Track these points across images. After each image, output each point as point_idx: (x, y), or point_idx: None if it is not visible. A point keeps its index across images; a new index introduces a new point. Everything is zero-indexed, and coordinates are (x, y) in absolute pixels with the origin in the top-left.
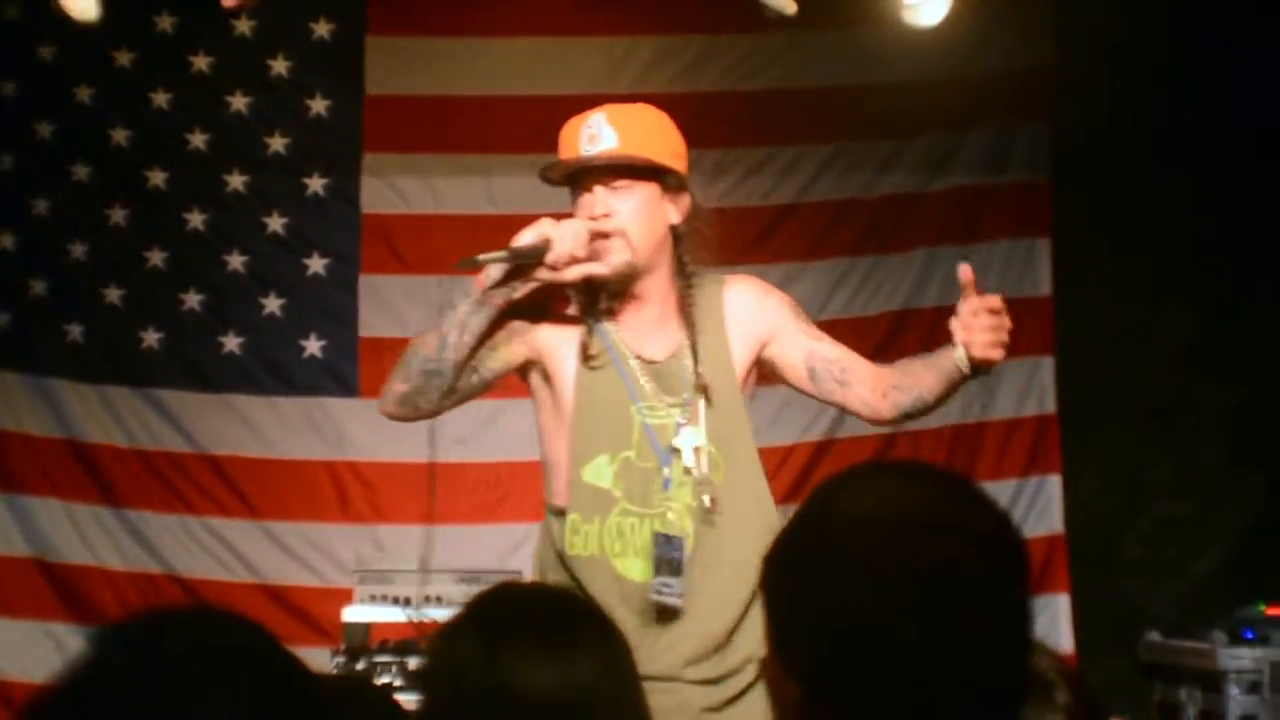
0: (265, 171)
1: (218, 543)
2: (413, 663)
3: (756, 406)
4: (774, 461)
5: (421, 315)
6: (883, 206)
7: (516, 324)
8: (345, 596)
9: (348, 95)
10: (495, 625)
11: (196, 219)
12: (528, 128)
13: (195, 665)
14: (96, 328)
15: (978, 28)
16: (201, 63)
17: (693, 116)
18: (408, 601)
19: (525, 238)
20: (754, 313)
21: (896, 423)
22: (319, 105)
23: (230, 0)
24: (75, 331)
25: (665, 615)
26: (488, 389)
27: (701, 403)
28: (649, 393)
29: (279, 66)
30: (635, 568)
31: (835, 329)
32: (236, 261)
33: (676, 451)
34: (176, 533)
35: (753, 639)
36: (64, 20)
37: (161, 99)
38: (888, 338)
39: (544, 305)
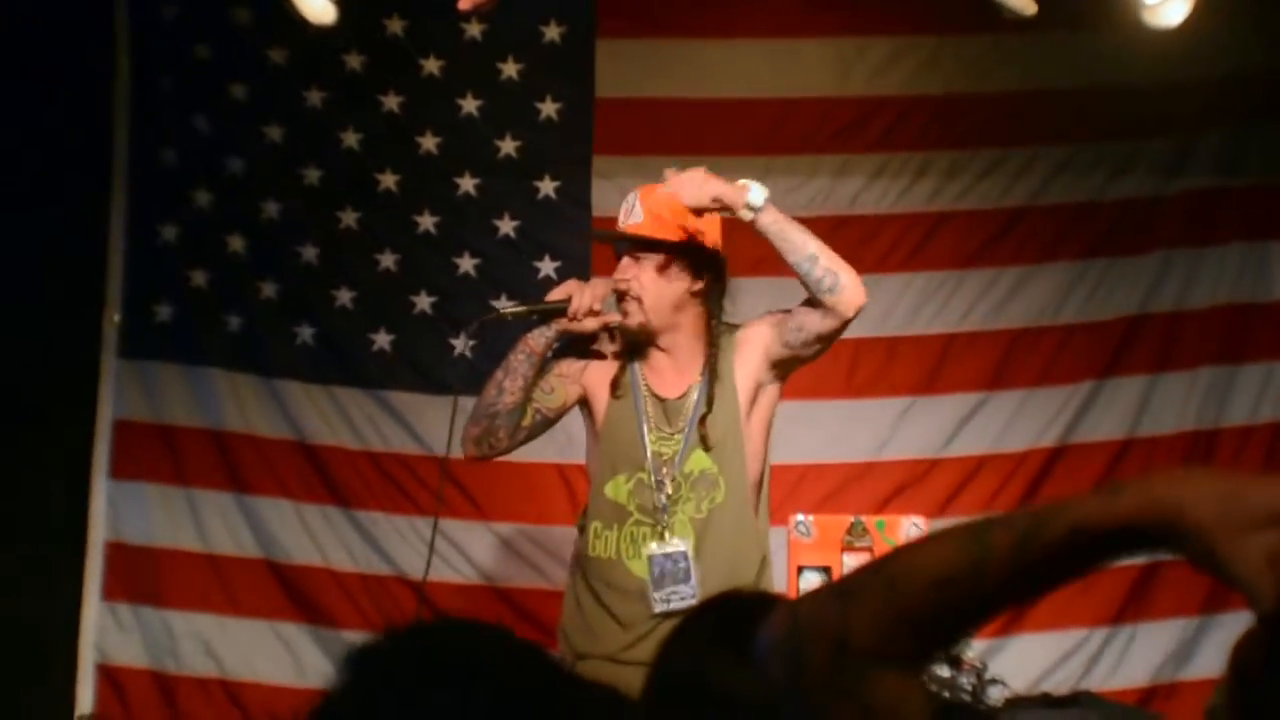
0: (496, 174)
1: (446, 544)
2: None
3: (989, 415)
4: (1005, 470)
5: None
6: (1117, 210)
7: (568, 369)
8: None
9: (578, 98)
10: (727, 633)
11: (427, 221)
12: (758, 130)
13: (462, 677)
14: (327, 330)
15: (1216, 29)
16: (432, 66)
17: (925, 118)
18: None
19: (554, 294)
20: (749, 349)
21: (841, 302)
22: (549, 108)
23: (466, 3)
24: (306, 334)
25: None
26: (550, 426)
27: (700, 433)
28: (657, 424)
29: (509, 69)
30: (642, 567)
31: (1070, 333)
32: (468, 264)
33: (684, 474)
34: (406, 534)
35: None
36: (295, 24)
37: (393, 102)
38: (1123, 341)
39: (592, 353)
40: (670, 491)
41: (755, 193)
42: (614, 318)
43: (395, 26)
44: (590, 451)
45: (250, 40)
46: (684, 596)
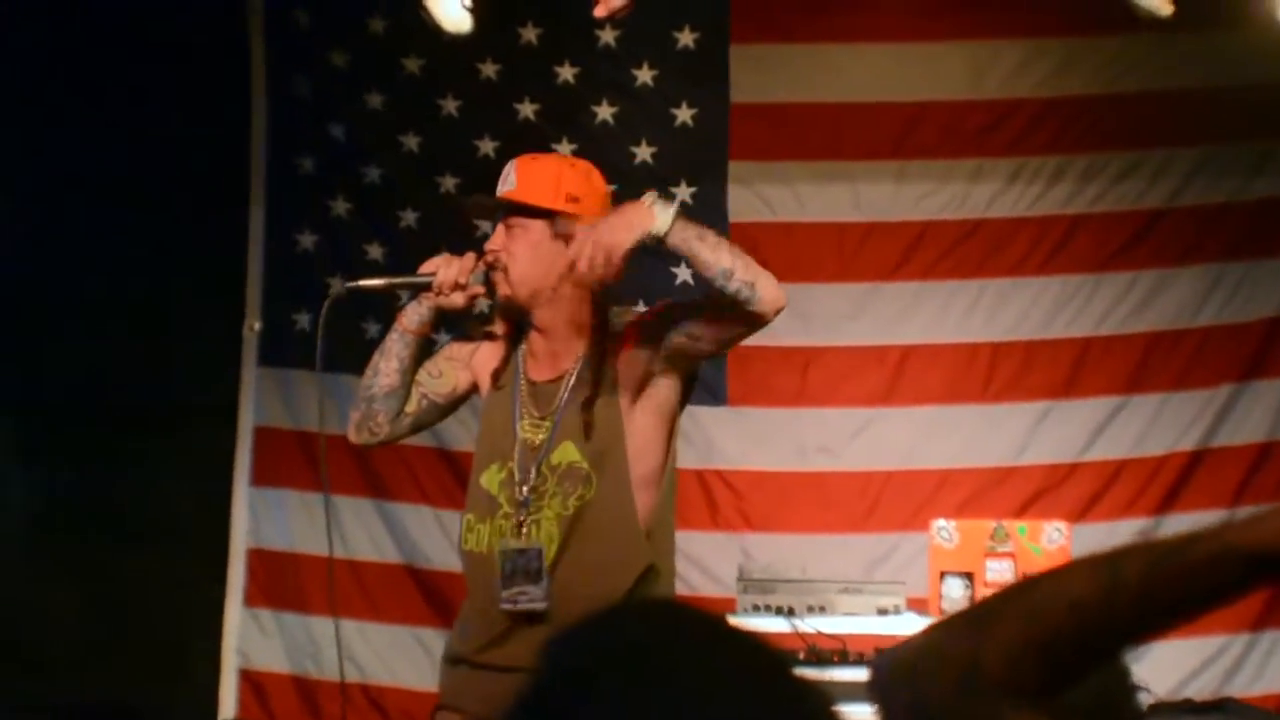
0: (632, 180)
1: None
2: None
3: (1128, 419)
4: (1144, 474)
5: (788, 324)
6: (1256, 210)
7: (458, 352)
8: (715, 605)
9: (713, 103)
10: None
11: None
12: (892, 133)
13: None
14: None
15: None
16: (567, 73)
17: (1061, 121)
18: (790, 611)
19: (425, 267)
20: (638, 336)
21: (758, 311)
22: (684, 114)
23: (602, 10)
24: (444, 341)
25: (534, 615)
26: (444, 413)
27: (572, 422)
28: (528, 410)
29: (644, 76)
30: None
31: (1209, 336)
32: None
33: (551, 465)
34: None
35: None
36: (429, 32)
37: (528, 109)
38: (1263, 344)
39: (485, 336)
40: (534, 484)
41: (659, 213)
42: (480, 289)
43: (529, 34)
44: (476, 442)
45: (385, 49)
46: (533, 598)
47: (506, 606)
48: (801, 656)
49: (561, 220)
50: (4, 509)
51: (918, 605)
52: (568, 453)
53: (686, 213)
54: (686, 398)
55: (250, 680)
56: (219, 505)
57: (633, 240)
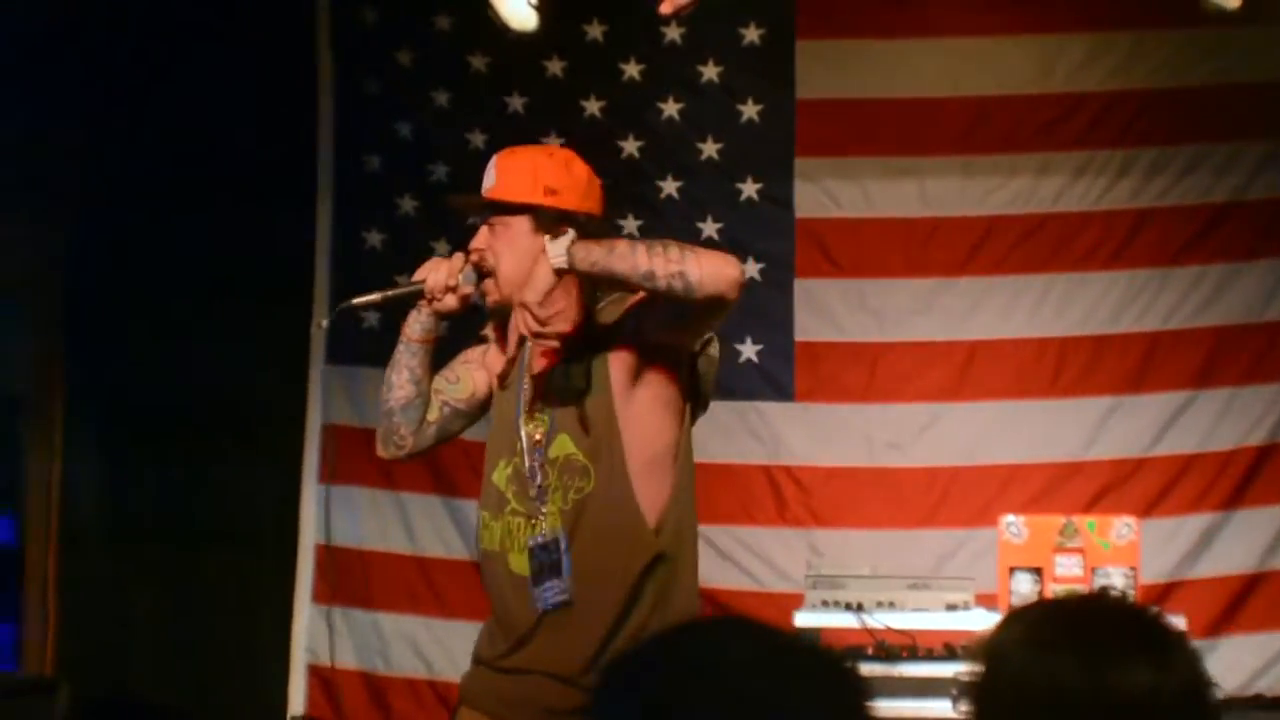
0: (698, 177)
1: None
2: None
3: (1196, 414)
4: (1213, 469)
5: (855, 319)
6: None
7: (473, 355)
8: (783, 601)
9: (779, 99)
10: (1086, 634)
11: (631, 225)
12: (958, 128)
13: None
14: None
15: None
16: (632, 70)
17: (1127, 115)
18: (860, 607)
19: (416, 275)
20: (629, 322)
21: (705, 297)
22: (750, 110)
23: (668, 7)
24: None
25: (554, 611)
26: (471, 419)
27: (567, 414)
28: (528, 405)
29: (709, 72)
30: (522, 563)
31: (1278, 330)
32: None
33: (550, 460)
34: None
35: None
36: (495, 30)
37: (593, 107)
38: None
39: (495, 337)
40: (540, 480)
41: (553, 252)
42: (470, 289)
43: (595, 31)
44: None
45: (451, 46)
46: (559, 590)
47: (539, 605)
48: (870, 652)
49: (545, 214)
50: (82, 510)
51: (986, 601)
52: (565, 445)
53: (751, 209)
54: (697, 384)
55: (319, 676)
56: (288, 503)
57: (541, 291)
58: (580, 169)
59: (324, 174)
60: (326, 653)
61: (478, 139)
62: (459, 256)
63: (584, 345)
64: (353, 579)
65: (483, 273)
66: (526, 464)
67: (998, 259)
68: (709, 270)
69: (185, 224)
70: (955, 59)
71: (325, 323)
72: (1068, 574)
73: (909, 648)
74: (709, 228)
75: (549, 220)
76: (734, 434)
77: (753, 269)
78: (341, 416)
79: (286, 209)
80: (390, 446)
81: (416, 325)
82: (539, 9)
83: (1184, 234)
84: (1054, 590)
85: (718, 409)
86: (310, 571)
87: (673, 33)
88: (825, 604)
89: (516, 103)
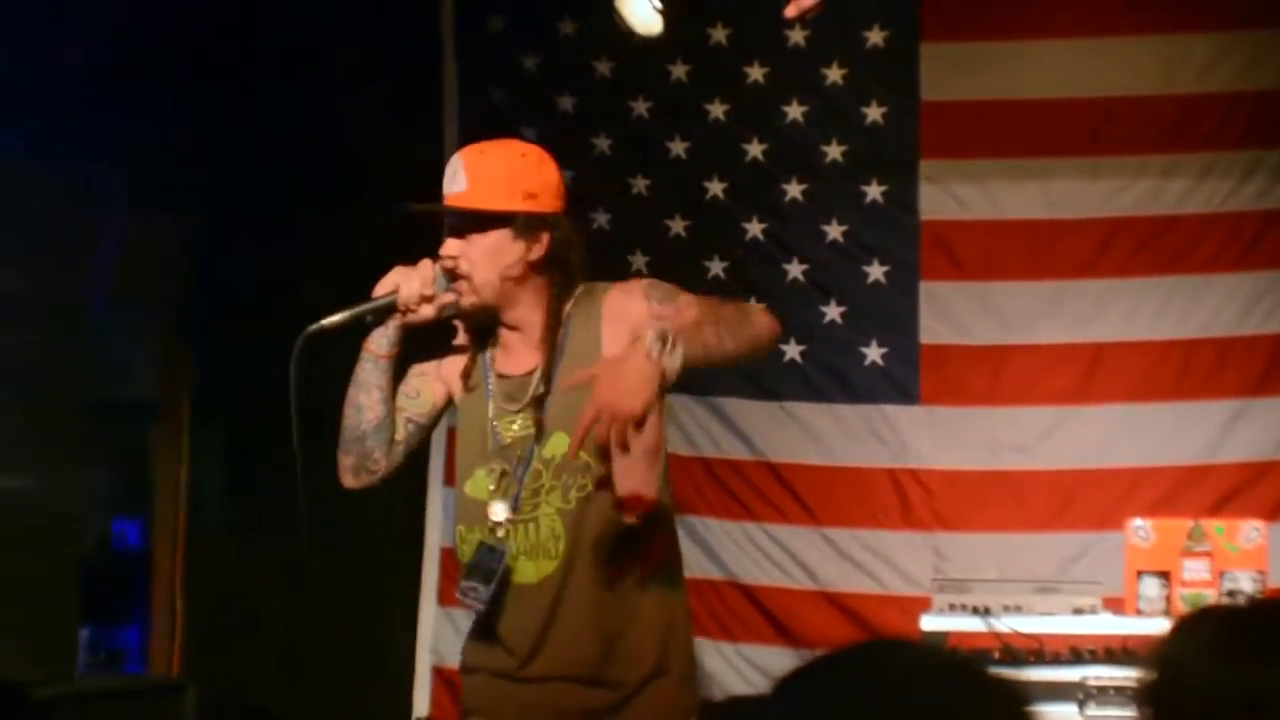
0: (823, 180)
1: (779, 549)
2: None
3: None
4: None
5: (980, 322)
6: None
7: (427, 366)
8: (909, 604)
9: (903, 102)
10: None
11: (755, 228)
12: (1083, 129)
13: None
14: None
15: None
16: (756, 73)
17: (1254, 115)
18: (986, 611)
19: (380, 287)
20: (623, 321)
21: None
22: (875, 112)
23: (793, 10)
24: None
25: (559, 616)
26: (428, 432)
27: (563, 411)
28: (503, 406)
29: (834, 75)
30: (524, 570)
31: None
32: (796, 270)
33: (544, 459)
34: (738, 539)
35: (636, 642)
36: (619, 34)
37: (718, 110)
38: None
39: (448, 344)
40: (528, 481)
41: (669, 361)
42: (450, 297)
43: (719, 35)
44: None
45: (576, 51)
46: (479, 598)
47: (458, 596)
48: (996, 656)
49: (523, 220)
50: (209, 513)
51: (1114, 605)
52: (561, 444)
53: (876, 212)
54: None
55: (444, 678)
56: (415, 505)
57: (650, 399)
58: (552, 169)
59: None
60: (452, 655)
61: (603, 144)
62: (427, 264)
63: (550, 339)
64: None
65: (454, 279)
66: (513, 465)
67: (1123, 261)
68: (753, 337)
69: (310, 229)
70: (1080, 59)
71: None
72: (1196, 578)
73: (1035, 651)
74: (834, 230)
75: (527, 225)
76: (859, 437)
77: (877, 271)
78: None
79: (411, 215)
80: (362, 474)
81: (383, 340)
82: (663, 12)
83: None
84: (1181, 595)
85: (842, 411)
86: (436, 573)
87: (797, 35)
88: (953, 607)
89: (641, 107)
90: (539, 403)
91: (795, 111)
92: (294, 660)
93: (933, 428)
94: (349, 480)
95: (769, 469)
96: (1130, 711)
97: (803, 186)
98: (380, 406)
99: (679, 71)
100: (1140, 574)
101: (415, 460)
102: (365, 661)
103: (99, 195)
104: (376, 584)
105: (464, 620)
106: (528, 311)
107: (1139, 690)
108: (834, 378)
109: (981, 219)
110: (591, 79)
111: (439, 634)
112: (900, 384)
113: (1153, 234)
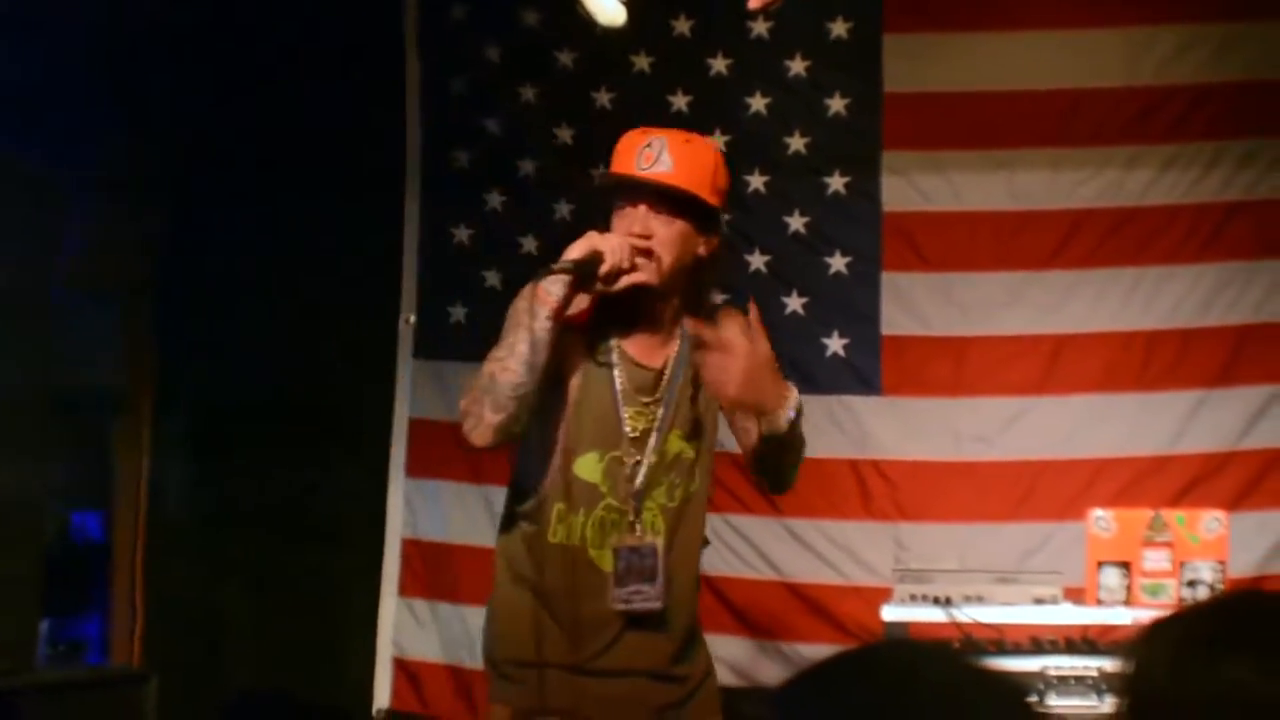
0: (786, 171)
1: (740, 540)
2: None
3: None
4: None
5: (943, 313)
6: None
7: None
8: (869, 595)
9: (866, 93)
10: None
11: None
12: (1048, 121)
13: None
14: None
15: None
16: (719, 65)
17: (1217, 107)
18: (948, 601)
19: (575, 251)
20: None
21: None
22: (838, 104)
23: (756, 2)
24: None
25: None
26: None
27: (680, 411)
28: (634, 397)
29: (797, 66)
30: (609, 560)
31: None
32: (758, 261)
33: (661, 454)
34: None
35: (697, 639)
36: (583, 25)
37: (681, 102)
38: None
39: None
40: (645, 476)
41: (782, 415)
42: (641, 277)
43: (682, 26)
44: (550, 422)
45: (539, 42)
46: (648, 597)
47: (620, 606)
48: (957, 646)
49: (712, 216)
50: (170, 505)
51: (1074, 595)
52: (676, 443)
53: (838, 203)
54: None
55: (405, 670)
56: (376, 496)
57: (747, 408)
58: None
59: (412, 170)
60: (412, 646)
61: (565, 134)
62: (622, 238)
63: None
64: (439, 573)
65: (644, 256)
66: (633, 457)
67: (1086, 252)
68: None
69: (275, 222)
70: (1043, 51)
71: (412, 318)
72: (1156, 568)
73: (996, 642)
74: (795, 222)
75: (706, 220)
76: (820, 428)
77: (839, 263)
78: (429, 411)
79: (375, 205)
80: (503, 434)
81: (559, 301)
82: (627, 4)
83: (1273, 226)
84: (1142, 585)
85: (805, 402)
86: (397, 565)
87: (759, 27)
88: (913, 598)
89: (604, 98)
90: (668, 399)
91: (758, 103)
92: (255, 652)
93: (894, 418)
94: (486, 437)
95: (730, 460)
96: (1090, 701)
97: (765, 178)
98: (539, 370)
99: (642, 63)
100: (1101, 564)
101: (376, 450)
102: (326, 653)
103: (63, 185)
104: (337, 575)
105: (424, 611)
106: (673, 304)
107: (1116, 681)
108: (796, 369)
109: (944, 210)
110: (554, 69)
111: (400, 625)
112: (862, 375)
113: (1116, 225)
